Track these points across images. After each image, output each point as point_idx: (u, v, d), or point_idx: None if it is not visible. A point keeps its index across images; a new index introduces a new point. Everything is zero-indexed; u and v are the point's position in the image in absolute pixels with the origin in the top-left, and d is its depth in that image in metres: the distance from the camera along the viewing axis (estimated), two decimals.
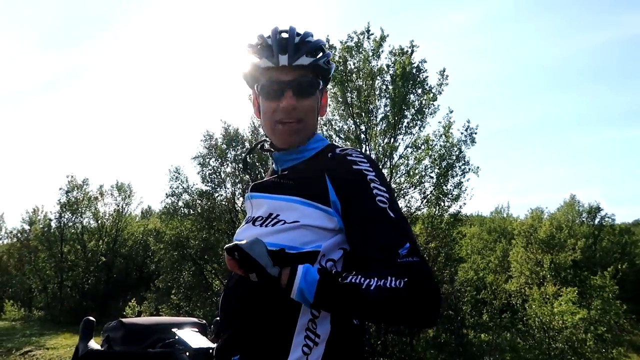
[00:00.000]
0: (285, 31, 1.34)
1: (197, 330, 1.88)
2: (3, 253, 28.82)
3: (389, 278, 1.09)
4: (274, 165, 1.44)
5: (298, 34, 1.33)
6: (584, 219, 27.67)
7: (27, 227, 25.34)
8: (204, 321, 1.96)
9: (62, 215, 23.73)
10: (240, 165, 15.93)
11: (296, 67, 1.30)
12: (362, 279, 1.11)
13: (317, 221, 1.22)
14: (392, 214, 1.18)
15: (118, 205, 24.78)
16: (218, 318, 1.58)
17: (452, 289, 16.13)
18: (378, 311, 1.10)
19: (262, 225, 1.29)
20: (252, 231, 1.30)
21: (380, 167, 14.93)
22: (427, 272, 1.13)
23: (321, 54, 1.33)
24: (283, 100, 1.30)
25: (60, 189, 23.61)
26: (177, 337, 1.77)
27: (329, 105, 15.41)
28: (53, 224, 24.03)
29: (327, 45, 1.35)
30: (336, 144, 1.45)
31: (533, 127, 56.12)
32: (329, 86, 15.22)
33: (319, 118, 1.41)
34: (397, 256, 1.13)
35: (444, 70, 14.80)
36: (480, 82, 55.78)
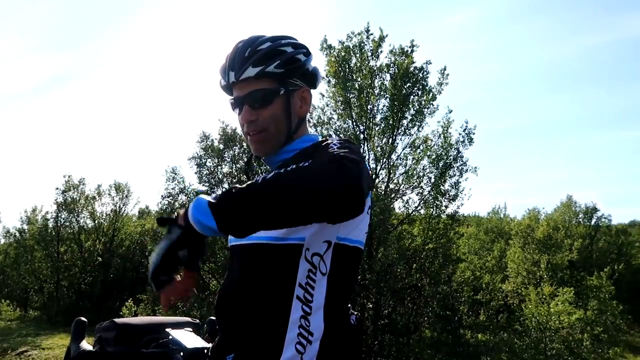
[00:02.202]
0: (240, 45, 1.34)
1: (191, 330, 1.87)
2: None
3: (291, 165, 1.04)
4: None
5: (251, 45, 1.31)
6: (580, 220, 27.73)
7: (25, 226, 25.27)
8: (198, 321, 1.94)
9: (59, 214, 23.66)
10: (238, 165, 15.95)
11: (245, 81, 1.30)
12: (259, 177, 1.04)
13: None
14: (334, 151, 1.12)
15: (115, 205, 24.75)
16: (212, 317, 1.57)
17: (449, 289, 16.15)
18: (278, 195, 0.98)
19: None
20: None
21: (379, 166, 14.99)
22: (341, 156, 1.03)
23: (275, 58, 1.30)
24: (243, 114, 1.33)
25: (57, 188, 23.56)
26: (170, 337, 1.76)
27: (327, 105, 15.43)
28: (50, 224, 23.97)
29: (292, 44, 1.25)
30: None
31: (530, 128, 56.32)
32: (328, 85, 15.26)
33: (305, 116, 1.40)
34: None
35: (444, 69, 14.81)
36: (477, 83, 55.92)
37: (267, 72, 1.29)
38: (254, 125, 1.33)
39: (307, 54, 1.38)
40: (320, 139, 1.38)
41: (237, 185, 1.04)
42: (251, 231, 1.05)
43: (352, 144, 1.20)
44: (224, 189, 1.12)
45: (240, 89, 1.33)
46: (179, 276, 1.16)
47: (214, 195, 1.05)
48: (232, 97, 1.36)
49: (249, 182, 1.03)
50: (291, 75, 1.34)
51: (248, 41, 1.34)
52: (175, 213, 1.07)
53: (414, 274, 15.09)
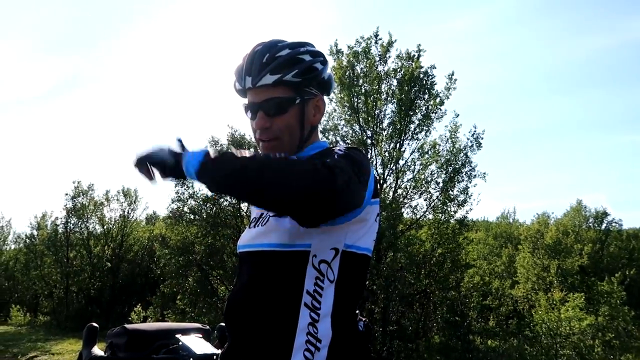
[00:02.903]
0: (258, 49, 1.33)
1: (200, 335, 1.88)
2: (10, 258, 28.99)
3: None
4: None
5: (269, 50, 1.31)
6: (590, 224, 27.50)
7: (35, 232, 25.49)
8: (208, 327, 1.96)
9: (69, 220, 23.86)
10: None
11: (262, 87, 1.30)
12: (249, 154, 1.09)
13: None
14: (336, 156, 1.14)
15: (124, 211, 24.90)
16: (222, 324, 1.58)
17: (458, 295, 16.05)
18: (259, 174, 1.04)
19: (256, 225, 1.32)
20: (250, 233, 1.35)
21: (387, 172, 14.97)
22: (335, 164, 1.05)
23: (293, 67, 1.30)
24: (257, 121, 1.33)
25: (66, 194, 23.76)
26: (180, 343, 1.77)
27: (335, 110, 15.46)
28: (59, 229, 24.16)
29: (310, 52, 1.27)
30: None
31: (536, 131, 55.97)
32: (335, 91, 15.29)
33: (317, 124, 1.40)
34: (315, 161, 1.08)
35: (452, 74, 14.79)
36: (483, 86, 55.75)
37: (285, 81, 1.29)
38: (268, 132, 1.32)
39: (324, 62, 1.37)
40: (329, 146, 1.39)
41: (234, 152, 1.09)
42: (223, 192, 1.18)
43: (357, 153, 1.20)
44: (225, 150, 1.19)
45: (255, 95, 1.32)
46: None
47: (211, 150, 1.13)
48: (247, 102, 1.36)
49: (244, 154, 1.08)
50: (308, 84, 1.34)
51: (267, 46, 1.32)
52: (184, 149, 1.18)
53: (422, 279, 15.03)
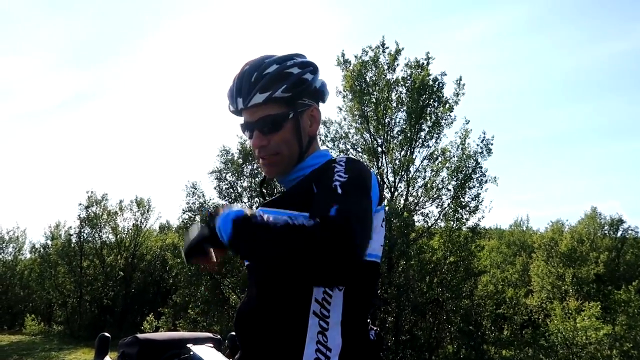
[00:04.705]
0: (246, 69, 1.34)
1: (212, 345, 1.88)
2: (25, 268, 29.31)
3: (302, 220, 1.05)
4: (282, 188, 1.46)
5: (257, 69, 1.31)
6: (606, 232, 27.09)
7: (49, 242, 25.76)
8: (219, 336, 1.95)
9: (82, 230, 24.10)
10: (257, 179, 16.07)
11: (254, 107, 1.31)
12: (273, 217, 1.08)
13: None
14: (339, 190, 1.14)
15: (137, 220, 25.10)
16: (233, 333, 1.58)
17: (471, 304, 15.87)
18: (280, 247, 1.04)
19: None
20: None
21: (397, 179, 14.92)
22: (342, 224, 1.03)
23: (282, 82, 1.30)
24: (254, 140, 1.34)
25: (79, 204, 24.03)
26: (192, 353, 1.77)
27: (345, 119, 15.49)
28: (73, 239, 24.39)
29: (299, 64, 1.26)
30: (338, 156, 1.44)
31: (550, 138, 55.39)
32: (345, 100, 15.33)
33: (315, 134, 1.39)
34: (324, 214, 1.07)
35: (460, 79, 14.77)
36: (497, 94, 55.39)
37: (275, 97, 1.29)
38: (266, 150, 1.34)
39: (314, 71, 1.36)
40: (330, 157, 1.38)
41: (262, 214, 1.09)
42: (251, 261, 1.25)
43: (356, 167, 1.21)
44: (255, 206, 1.23)
45: (249, 115, 1.34)
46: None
47: (243, 211, 1.12)
48: (242, 122, 1.38)
49: (268, 218, 1.07)
50: (300, 97, 1.34)
51: (254, 64, 1.33)
52: (215, 210, 1.19)
53: (435, 287, 14.89)
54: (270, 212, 1.24)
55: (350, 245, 1.01)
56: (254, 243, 1.06)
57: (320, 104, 1.42)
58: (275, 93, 1.29)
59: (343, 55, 15.16)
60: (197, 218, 17.61)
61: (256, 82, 1.30)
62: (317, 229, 1.02)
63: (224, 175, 17.15)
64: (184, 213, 17.75)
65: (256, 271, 1.32)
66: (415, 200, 15.32)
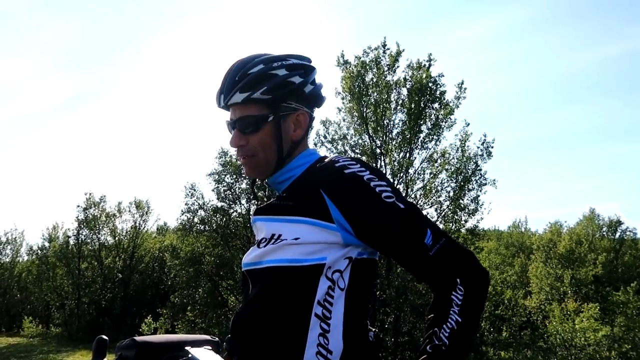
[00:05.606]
0: (233, 67, 1.33)
1: (210, 347, 1.87)
2: (22, 270, 29.24)
3: (448, 292, 1.13)
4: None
5: (243, 68, 1.30)
6: (604, 233, 27.13)
7: (46, 244, 25.69)
8: (217, 338, 1.94)
9: (80, 232, 24.04)
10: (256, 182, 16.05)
11: (234, 106, 1.30)
12: (438, 332, 1.13)
13: (318, 237, 1.20)
14: (401, 205, 1.17)
15: (135, 222, 25.05)
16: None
17: None
18: (471, 328, 1.14)
19: (266, 245, 1.28)
20: (256, 252, 1.30)
21: (397, 181, 14.91)
22: (457, 247, 1.18)
23: (262, 83, 1.28)
24: (232, 138, 1.33)
25: (78, 206, 23.98)
26: (190, 355, 1.76)
27: (343, 120, 15.48)
28: (71, 241, 24.34)
29: (287, 66, 1.23)
30: (326, 155, 1.40)
31: (547, 139, 55.47)
32: (344, 101, 15.32)
33: (301, 139, 1.34)
34: (426, 249, 1.14)
35: (462, 83, 14.78)
36: (494, 95, 55.46)
37: (254, 99, 1.27)
38: (243, 150, 1.32)
39: (305, 74, 1.33)
40: (318, 155, 1.36)
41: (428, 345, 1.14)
42: None
43: (380, 174, 1.24)
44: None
45: (232, 113, 1.33)
46: None
47: None
48: (227, 119, 1.37)
49: (435, 341, 1.13)
50: (283, 100, 1.30)
51: (242, 63, 1.32)
52: None
53: None
54: (271, 221, 1.28)
55: (479, 266, 1.16)
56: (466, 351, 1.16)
57: (316, 109, 1.39)
58: (254, 94, 1.27)
59: (343, 56, 15.16)
60: (196, 219, 17.54)
61: (239, 81, 1.29)
62: (471, 293, 1.14)
63: (222, 177, 17.14)
64: (182, 214, 17.75)
65: (257, 277, 1.30)
66: (414, 202, 15.32)
